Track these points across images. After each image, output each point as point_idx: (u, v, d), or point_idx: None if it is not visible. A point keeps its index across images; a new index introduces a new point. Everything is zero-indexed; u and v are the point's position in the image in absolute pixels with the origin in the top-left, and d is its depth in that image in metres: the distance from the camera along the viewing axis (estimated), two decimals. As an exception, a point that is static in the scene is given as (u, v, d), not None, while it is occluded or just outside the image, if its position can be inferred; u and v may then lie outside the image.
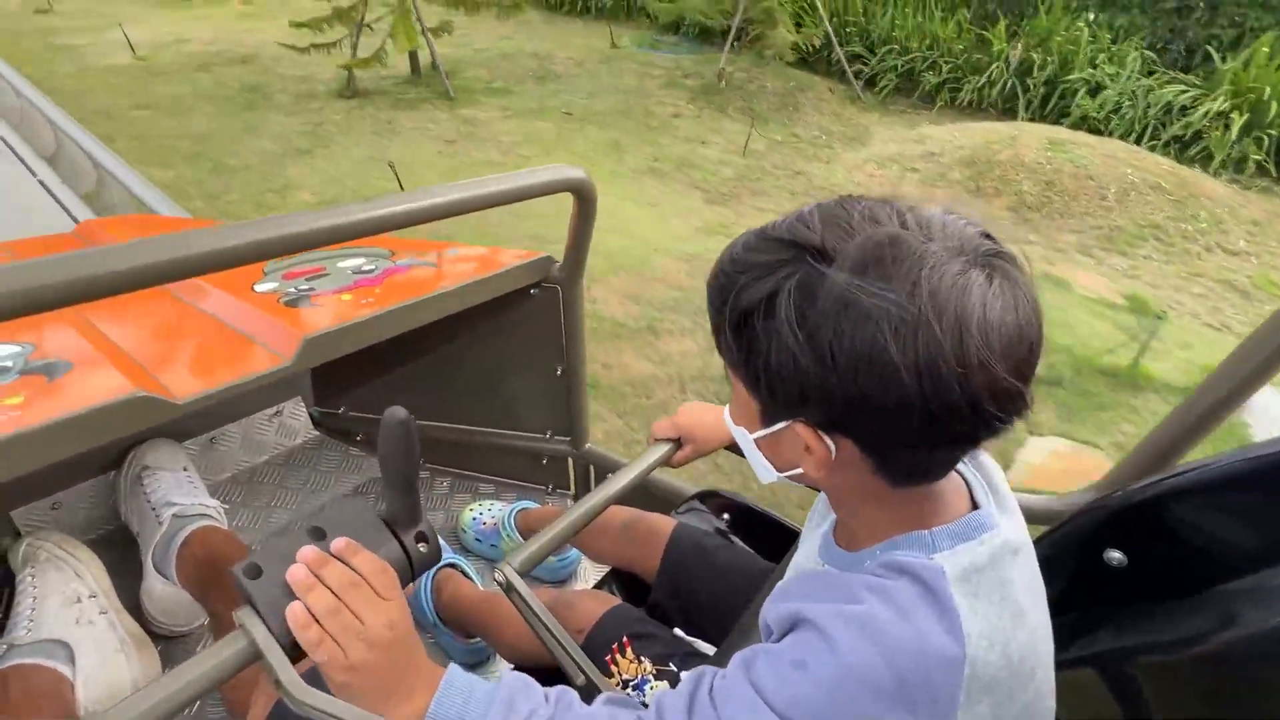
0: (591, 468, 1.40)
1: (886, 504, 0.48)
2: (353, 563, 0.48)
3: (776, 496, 1.90)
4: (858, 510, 0.51)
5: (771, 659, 0.45)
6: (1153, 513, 0.70)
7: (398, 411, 0.48)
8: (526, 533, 1.25)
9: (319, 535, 0.48)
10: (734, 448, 0.87)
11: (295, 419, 1.48)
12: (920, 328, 0.39)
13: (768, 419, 0.48)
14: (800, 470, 0.48)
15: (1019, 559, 0.48)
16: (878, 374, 0.40)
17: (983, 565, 0.45)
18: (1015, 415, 0.42)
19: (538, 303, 1.23)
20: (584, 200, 0.97)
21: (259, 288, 0.99)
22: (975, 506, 0.50)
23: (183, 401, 0.70)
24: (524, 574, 0.65)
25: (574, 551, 1.25)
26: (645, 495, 1.26)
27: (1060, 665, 0.53)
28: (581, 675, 0.61)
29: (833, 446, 0.45)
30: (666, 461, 0.78)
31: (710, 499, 1.09)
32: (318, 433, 1.50)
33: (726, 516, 1.05)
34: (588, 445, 1.38)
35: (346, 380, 1.48)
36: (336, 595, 0.47)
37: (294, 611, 0.45)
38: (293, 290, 0.98)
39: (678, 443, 0.80)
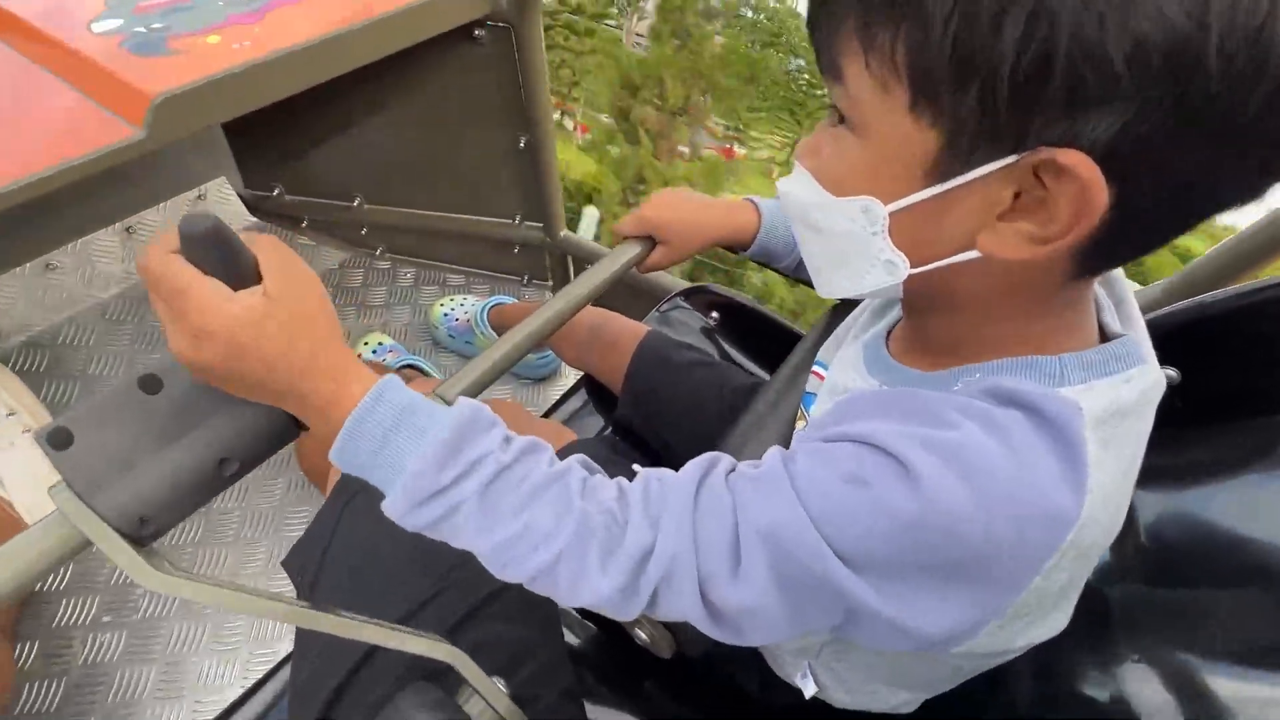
0: (570, 257, 1.26)
1: (1022, 310, 0.33)
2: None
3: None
4: (967, 315, 0.35)
5: (819, 459, 0.33)
6: (1218, 328, 0.58)
7: (198, 221, 0.32)
8: (501, 330, 1.15)
9: (153, 386, 0.35)
10: (731, 249, 0.70)
11: (224, 203, 1.28)
12: None
13: (967, 158, 0.28)
14: (971, 256, 0.31)
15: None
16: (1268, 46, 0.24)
17: (1127, 410, 0.32)
18: None
19: (486, 51, 0.96)
20: None
21: (97, 26, 0.74)
22: (1102, 330, 0.35)
23: None
24: (474, 397, 0.56)
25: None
26: (625, 291, 1.14)
27: None
28: None
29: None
30: (637, 265, 0.63)
31: (696, 295, 0.97)
32: (254, 219, 1.32)
33: (715, 315, 0.94)
34: (563, 233, 1.22)
35: (276, 155, 1.25)
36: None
37: None
38: (142, 30, 0.73)
39: (651, 242, 0.63)
